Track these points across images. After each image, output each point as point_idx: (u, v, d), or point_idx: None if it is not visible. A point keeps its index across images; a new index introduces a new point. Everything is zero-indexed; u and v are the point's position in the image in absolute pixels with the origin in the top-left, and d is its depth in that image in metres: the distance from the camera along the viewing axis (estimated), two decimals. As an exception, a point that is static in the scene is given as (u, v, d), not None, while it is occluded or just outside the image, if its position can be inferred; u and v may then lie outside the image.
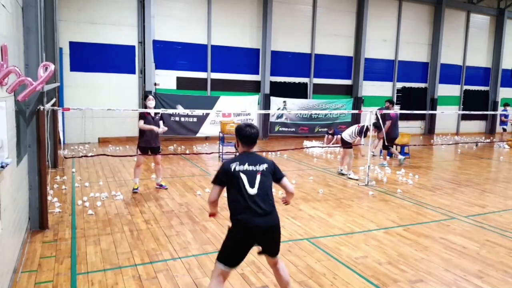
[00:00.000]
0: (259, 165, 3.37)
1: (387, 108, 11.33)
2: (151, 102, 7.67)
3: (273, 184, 3.48)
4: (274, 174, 3.46)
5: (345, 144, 9.61)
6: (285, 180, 3.52)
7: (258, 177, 3.31)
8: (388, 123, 11.03)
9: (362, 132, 9.31)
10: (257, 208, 3.23)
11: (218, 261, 3.35)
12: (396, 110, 11.16)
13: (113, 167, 9.93)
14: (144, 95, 8.10)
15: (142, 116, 7.63)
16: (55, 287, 4.02)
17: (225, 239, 3.40)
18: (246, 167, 3.33)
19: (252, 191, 3.25)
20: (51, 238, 5.30)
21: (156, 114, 7.78)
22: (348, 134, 9.57)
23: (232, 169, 3.30)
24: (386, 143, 11.21)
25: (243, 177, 3.27)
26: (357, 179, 9.19)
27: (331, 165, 11.01)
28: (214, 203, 3.48)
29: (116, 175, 9.16)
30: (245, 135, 3.44)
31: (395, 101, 19.81)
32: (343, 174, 9.74)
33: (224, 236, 3.47)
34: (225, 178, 3.32)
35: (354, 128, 9.49)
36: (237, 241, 3.31)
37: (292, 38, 17.06)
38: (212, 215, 3.63)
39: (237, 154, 3.65)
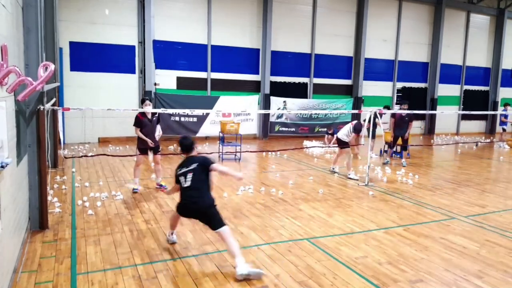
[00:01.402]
0: (191, 165, 4.69)
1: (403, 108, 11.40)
2: (148, 107, 7.67)
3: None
4: (206, 168, 4.70)
5: (342, 144, 9.64)
6: (214, 166, 4.73)
7: (190, 175, 4.65)
8: (391, 121, 11.20)
9: (358, 129, 9.40)
10: (189, 196, 4.63)
11: (175, 209, 4.91)
12: (404, 111, 11.15)
13: (113, 167, 9.94)
14: (141, 100, 8.09)
15: (138, 122, 7.63)
16: (55, 287, 4.02)
17: (178, 203, 4.82)
18: (182, 170, 4.72)
19: (186, 184, 4.65)
20: (51, 238, 5.30)
21: (153, 115, 7.77)
22: (344, 134, 9.62)
23: (177, 173, 4.77)
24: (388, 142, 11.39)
25: (181, 178, 4.71)
26: (357, 179, 9.20)
27: (331, 165, 10.99)
28: (175, 190, 5.00)
29: (116, 175, 9.16)
30: (180, 145, 4.93)
31: (395, 101, 19.86)
32: (335, 173, 9.86)
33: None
34: (176, 178, 4.80)
35: (349, 127, 9.54)
36: (180, 209, 4.79)
37: (292, 38, 17.06)
38: (168, 194, 5.36)
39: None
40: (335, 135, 14.88)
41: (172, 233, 5.20)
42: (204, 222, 4.67)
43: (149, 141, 7.60)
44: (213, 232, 5.33)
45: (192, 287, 4.08)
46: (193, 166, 4.69)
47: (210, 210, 4.60)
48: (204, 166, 4.70)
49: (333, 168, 10.03)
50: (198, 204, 4.61)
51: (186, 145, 4.90)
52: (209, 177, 4.75)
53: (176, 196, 7.40)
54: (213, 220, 4.55)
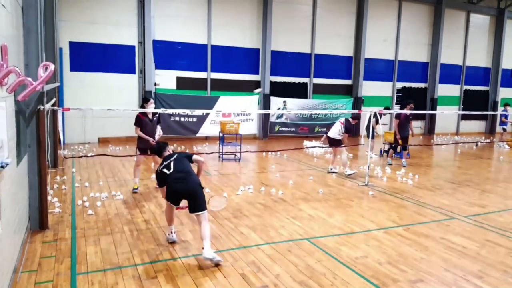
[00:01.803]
0: (170, 158, 5.12)
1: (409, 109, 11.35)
2: (151, 106, 7.67)
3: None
4: (186, 157, 5.18)
5: (335, 143, 9.69)
6: (195, 157, 5.24)
7: (172, 163, 5.01)
8: (395, 122, 11.23)
9: (350, 129, 9.54)
10: (176, 177, 4.89)
11: (166, 200, 5.10)
12: (409, 110, 11.12)
13: (113, 167, 9.93)
14: (145, 98, 8.11)
15: (138, 121, 7.64)
16: (55, 287, 4.02)
17: (166, 192, 5.02)
18: (163, 164, 5.09)
19: (170, 171, 4.95)
20: (51, 238, 5.30)
21: (154, 115, 7.78)
22: (335, 132, 9.71)
23: (159, 171, 5.07)
24: (395, 143, 11.43)
25: (164, 170, 5.01)
26: (354, 172, 9.40)
27: (329, 166, 10.98)
28: (164, 192, 5.11)
29: (116, 175, 9.16)
30: (155, 150, 5.69)
31: (395, 101, 19.85)
32: (334, 173, 9.88)
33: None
34: (159, 178, 5.10)
35: (339, 126, 9.64)
36: (169, 196, 4.98)
37: (292, 38, 17.06)
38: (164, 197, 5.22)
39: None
40: (324, 135, 15.04)
41: (171, 232, 5.24)
42: (190, 203, 4.83)
43: (150, 138, 7.60)
44: (213, 232, 5.33)
45: (192, 287, 4.08)
46: (173, 157, 5.12)
47: (199, 190, 4.85)
48: (184, 156, 5.19)
49: (331, 169, 10.03)
50: (186, 181, 4.84)
51: (157, 149, 5.54)
52: (190, 165, 5.13)
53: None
54: (199, 201, 4.77)
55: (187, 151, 12.73)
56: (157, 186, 7.89)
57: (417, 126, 20.49)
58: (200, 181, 4.98)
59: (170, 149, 5.55)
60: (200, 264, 4.61)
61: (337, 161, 10.11)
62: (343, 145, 9.73)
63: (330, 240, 5.42)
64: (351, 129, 9.74)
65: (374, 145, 12.55)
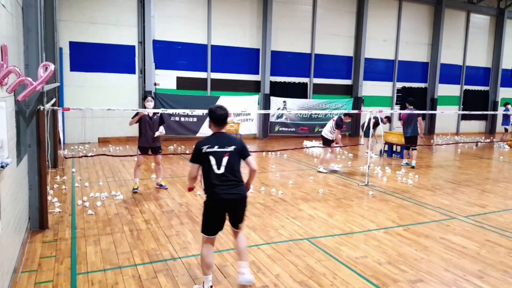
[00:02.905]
0: (228, 147, 3.80)
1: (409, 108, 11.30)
2: (149, 103, 7.64)
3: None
4: (242, 153, 3.90)
5: (326, 142, 9.84)
6: (249, 159, 3.95)
7: (225, 158, 3.76)
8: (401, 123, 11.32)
9: (340, 125, 9.70)
10: (223, 184, 3.75)
11: (202, 233, 3.91)
12: (408, 110, 11.07)
13: (113, 167, 9.93)
14: (144, 96, 8.08)
15: (136, 114, 7.64)
16: (55, 287, 4.02)
17: (203, 212, 3.89)
18: (215, 149, 3.76)
19: (219, 171, 3.74)
20: (51, 238, 5.30)
21: (154, 114, 7.76)
22: (327, 130, 9.89)
23: (203, 151, 3.76)
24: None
25: (212, 159, 3.74)
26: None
27: (330, 165, 10.99)
28: (193, 179, 3.97)
29: (116, 175, 9.16)
30: (217, 116, 3.86)
31: (395, 101, 19.85)
32: (335, 171, 10.06)
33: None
34: (198, 157, 3.80)
35: (331, 123, 9.81)
36: (210, 210, 3.83)
37: (292, 38, 17.06)
38: (190, 189, 4.12)
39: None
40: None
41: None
42: (233, 216, 3.96)
43: (142, 111, 7.49)
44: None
45: (192, 287, 4.08)
46: (231, 148, 3.81)
47: (245, 202, 3.99)
48: (240, 152, 3.89)
49: (332, 166, 10.09)
50: (239, 195, 3.83)
51: (222, 117, 3.87)
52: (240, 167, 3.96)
53: (176, 196, 7.46)
54: (243, 215, 4.03)
55: (187, 151, 12.74)
56: (158, 186, 7.98)
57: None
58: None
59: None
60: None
61: (333, 158, 10.36)
62: (337, 146, 9.88)
63: (330, 240, 5.42)
64: (341, 125, 9.89)
65: (374, 145, 12.57)
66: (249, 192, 4.30)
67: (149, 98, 7.69)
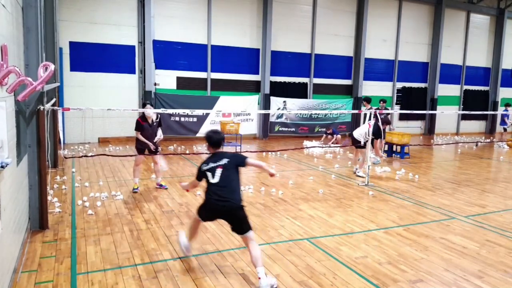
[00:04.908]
0: (220, 161, 4.29)
1: (382, 108, 11.22)
2: (149, 112, 7.65)
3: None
4: (237, 163, 4.35)
5: (354, 143, 9.59)
6: (249, 160, 4.38)
7: (219, 170, 4.24)
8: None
9: (376, 132, 9.04)
10: (219, 194, 4.17)
11: (196, 213, 4.54)
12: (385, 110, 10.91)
13: (113, 167, 9.93)
14: (142, 104, 8.09)
15: (138, 127, 7.65)
16: (55, 287, 4.02)
17: (201, 203, 4.46)
18: (210, 165, 4.31)
19: (214, 180, 4.23)
20: (51, 238, 5.30)
21: (153, 121, 7.76)
22: (360, 133, 9.46)
23: (202, 169, 4.35)
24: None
25: (208, 174, 4.29)
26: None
27: (331, 165, 11.00)
28: (193, 187, 4.71)
29: (116, 175, 9.16)
30: (214, 141, 4.44)
31: (395, 101, 19.85)
32: (359, 177, 9.49)
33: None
34: (199, 175, 4.42)
35: (366, 128, 9.12)
36: (205, 210, 4.41)
37: (292, 38, 17.06)
38: (186, 190, 4.88)
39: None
40: (334, 135, 15.02)
41: (189, 249, 4.75)
42: (231, 224, 4.27)
43: (150, 144, 7.64)
44: (213, 232, 5.33)
45: (192, 287, 4.08)
46: (224, 161, 4.28)
47: (242, 212, 4.23)
48: (235, 163, 4.32)
49: (355, 170, 9.79)
50: (229, 203, 4.16)
51: (216, 140, 4.43)
52: (240, 175, 4.36)
53: (176, 196, 7.46)
54: (244, 224, 4.21)
55: (187, 151, 12.75)
56: (158, 186, 7.97)
57: (417, 126, 20.51)
58: (242, 200, 4.26)
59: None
60: (200, 264, 4.60)
61: (360, 162, 9.84)
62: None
63: (330, 240, 5.42)
64: (378, 134, 9.29)
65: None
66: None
67: (148, 106, 7.74)
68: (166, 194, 7.66)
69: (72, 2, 13.44)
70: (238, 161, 4.36)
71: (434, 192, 8.26)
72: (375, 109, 9.92)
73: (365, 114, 9.54)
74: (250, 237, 4.17)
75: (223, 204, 4.16)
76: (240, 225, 4.21)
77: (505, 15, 21.49)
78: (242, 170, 4.46)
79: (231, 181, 4.25)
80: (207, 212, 4.38)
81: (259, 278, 3.97)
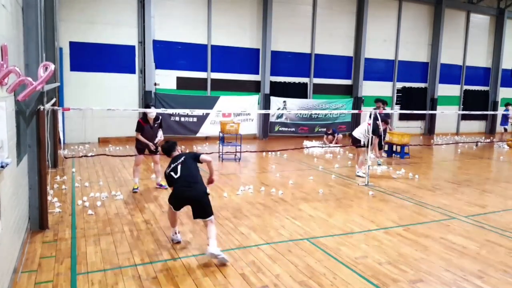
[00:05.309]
0: (178, 160, 5.07)
1: (378, 108, 11.21)
2: (152, 114, 7.67)
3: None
4: (194, 158, 5.15)
5: (354, 142, 9.55)
6: (203, 156, 5.18)
7: (179, 166, 4.98)
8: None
9: (374, 130, 9.02)
10: (183, 183, 4.86)
11: (168, 202, 5.09)
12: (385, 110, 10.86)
13: (113, 167, 9.93)
14: (145, 105, 8.10)
15: (140, 127, 7.66)
16: (55, 287, 4.02)
17: (171, 193, 5.04)
18: (171, 167, 5.04)
19: (177, 175, 4.92)
20: (51, 238, 5.30)
21: (155, 121, 7.76)
22: (360, 132, 9.45)
23: (167, 173, 5.06)
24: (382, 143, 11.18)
25: (172, 173, 4.98)
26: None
27: (331, 165, 11.00)
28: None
29: (116, 175, 9.16)
30: (163, 150, 5.51)
31: (395, 101, 19.85)
32: (359, 177, 9.44)
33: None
34: (168, 179, 5.06)
35: (366, 126, 9.15)
36: (174, 198, 4.94)
37: (292, 38, 17.05)
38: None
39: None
40: (335, 135, 15.01)
41: (175, 233, 5.23)
42: (195, 209, 4.80)
43: (150, 144, 7.65)
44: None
45: (192, 287, 4.08)
46: (181, 159, 5.07)
47: (205, 198, 4.82)
48: (192, 158, 5.13)
49: (357, 172, 9.67)
50: (193, 189, 4.82)
51: (166, 148, 5.41)
52: (198, 168, 5.10)
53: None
54: (207, 208, 4.80)
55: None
56: (158, 186, 7.98)
57: (417, 126, 20.51)
58: (206, 188, 4.94)
59: (179, 149, 5.53)
60: (200, 264, 4.60)
61: (360, 162, 9.70)
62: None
63: (330, 240, 5.42)
64: (377, 132, 9.30)
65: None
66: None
67: (152, 107, 7.84)
68: (166, 194, 7.65)
69: (72, 2, 13.44)
70: (194, 156, 5.17)
71: (434, 192, 8.26)
72: (374, 109, 9.94)
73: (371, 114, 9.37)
74: (211, 220, 4.77)
75: (189, 190, 4.80)
76: (204, 209, 4.77)
77: (505, 15, 21.49)
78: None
79: (192, 170, 4.97)
80: (175, 200, 4.91)
81: (208, 245, 4.56)
